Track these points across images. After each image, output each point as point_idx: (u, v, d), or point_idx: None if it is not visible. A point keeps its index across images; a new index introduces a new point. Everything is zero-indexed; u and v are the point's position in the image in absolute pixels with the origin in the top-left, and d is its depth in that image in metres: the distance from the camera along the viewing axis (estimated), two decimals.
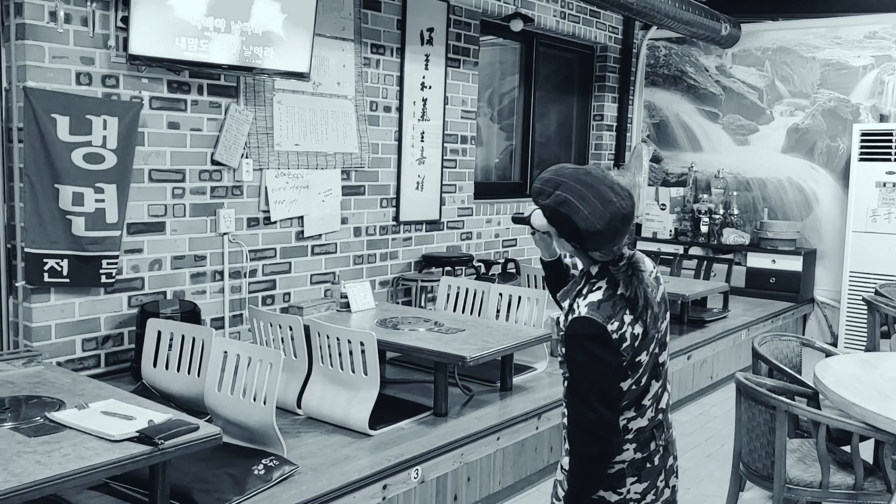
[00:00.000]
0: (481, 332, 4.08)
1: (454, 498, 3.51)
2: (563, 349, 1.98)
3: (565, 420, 2.06)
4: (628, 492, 1.97)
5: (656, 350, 1.98)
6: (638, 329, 1.90)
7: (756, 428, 3.13)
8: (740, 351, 6.09)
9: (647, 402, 1.98)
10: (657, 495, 2.02)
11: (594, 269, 1.97)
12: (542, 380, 4.40)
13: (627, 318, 1.88)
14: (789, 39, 7.26)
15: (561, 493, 2.08)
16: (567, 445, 2.04)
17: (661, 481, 2.03)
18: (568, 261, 2.30)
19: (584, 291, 1.95)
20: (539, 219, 2.03)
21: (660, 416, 2.03)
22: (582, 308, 1.90)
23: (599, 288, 1.92)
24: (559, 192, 1.91)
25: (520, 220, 2.23)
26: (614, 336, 1.87)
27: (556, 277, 2.27)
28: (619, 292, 1.90)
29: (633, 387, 1.94)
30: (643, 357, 1.94)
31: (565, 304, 2.01)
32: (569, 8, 6.90)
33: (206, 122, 4.38)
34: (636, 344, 1.90)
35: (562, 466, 2.10)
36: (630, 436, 1.97)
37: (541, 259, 2.28)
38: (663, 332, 2.02)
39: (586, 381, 1.89)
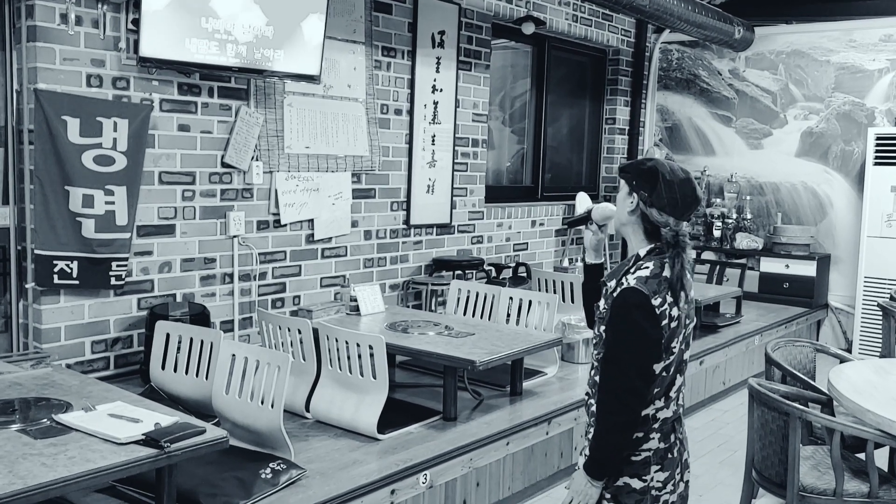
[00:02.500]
0: (491, 336, 4.06)
1: (463, 503, 3.48)
2: (604, 324, 2.12)
3: (593, 407, 2.15)
4: (651, 479, 2.10)
5: (683, 346, 2.12)
6: (675, 312, 2.07)
7: (769, 434, 3.09)
8: (753, 356, 6.03)
9: (672, 394, 2.13)
10: (675, 486, 2.14)
11: (643, 251, 2.14)
12: (552, 384, 4.37)
13: (669, 298, 2.06)
14: (803, 43, 7.20)
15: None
16: (588, 435, 2.16)
17: (678, 473, 2.16)
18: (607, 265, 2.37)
19: (632, 270, 2.11)
20: (601, 210, 2.31)
21: (680, 412, 2.17)
22: (630, 280, 2.07)
23: (647, 267, 2.09)
24: (648, 162, 2.15)
25: (576, 220, 2.41)
26: (657, 311, 2.03)
27: (593, 283, 2.38)
28: (664, 274, 2.07)
29: (664, 373, 2.08)
30: (675, 345, 2.08)
31: (611, 283, 2.15)
32: (581, 11, 6.87)
33: (216, 125, 4.38)
34: (672, 325, 2.06)
35: (584, 453, 2.17)
36: (656, 425, 2.10)
37: (583, 261, 2.43)
38: (689, 330, 2.16)
39: (626, 350, 2.04)
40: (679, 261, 2.08)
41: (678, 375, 2.14)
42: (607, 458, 2.08)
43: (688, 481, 2.22)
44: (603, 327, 2.13)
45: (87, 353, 3.97)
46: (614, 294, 2.10)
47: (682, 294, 2.08)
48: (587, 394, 2.22)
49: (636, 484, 2.10)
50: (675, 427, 2.15)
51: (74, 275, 3.84)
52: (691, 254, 2.16)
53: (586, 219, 2.37)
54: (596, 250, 2.38)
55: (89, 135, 3.77)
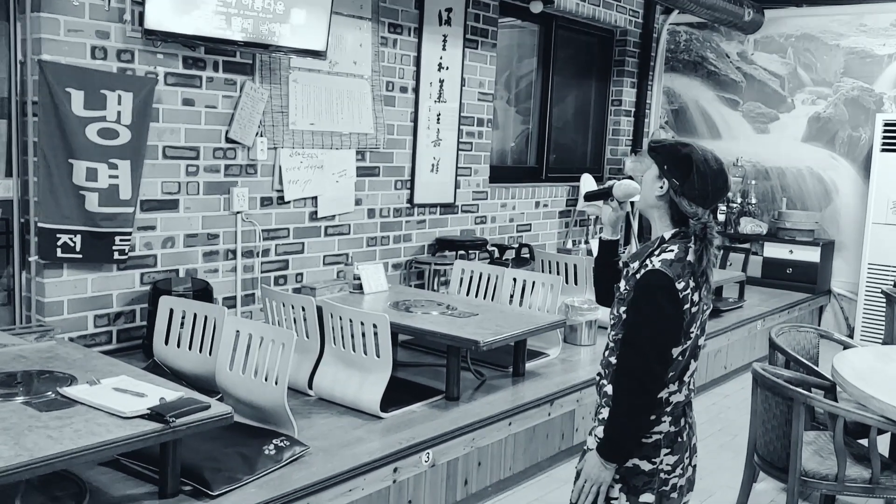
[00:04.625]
0: (495, 316, 4.05)
1: (464, 482, 3.49)
2: (625, 304, 2.09)
3: (606, 387, 2.14)
4: (661, 462, 2.09)
5: (698, 332, 2.11)
6: (696, 297, 2.05)
7: (772, 419, 3.09)
8: (755, 341, 6.03)
9: (686, 378, 2.12)
10: (683, 470, 2.14)
11: (668, 234, 2.11)
12: (555, 366, 4.37)
13: (692, 283, 2.04)
14: (813, 26, 7.14)
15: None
16: (600, 416, 2.15)
17: (687, 458, 2.15)
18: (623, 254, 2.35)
19: (657, 252, 2.08)
20: (623, 188, 2.28)
21: (692, 397, 2.17)
22: (655, 262, 2.05)
23: (672, 251, 2.06)
24: (683, 140, 2.15)
25: (596, 193, 2.37)
26: (680, 294, 2.01)
27: (608, 258, 2.36)
28: (688, 258, 2.05)
29: (680, 358, 2.07)
30: (693, 330, 2.07)
31: (635, 265, 2.12)
32: None
33: (221, 100, 4.35)
34: (693, 310, 2.05)
35: (596, 435, 2.15)
36: (668, 409, 2.09)
37: (600, 239, 2.39)
38: (706, 316, 2.15)
39: (646, 332, 2.02)
40: (705, 251, 2.06)
41: (692, 360, 2.13)
42: (622, 440, 2.06)
43: (695, 466, 2.21)
44: (623, 308, 2.10)
45: (90, 327, 3.96)
46: (637, 276, 2.07)
47: (705, 281, 2.07)
48: (599, 374, 2.20)
49: (645, 466, 2.09)
50: (685, 411, 2.15)
51: (77, 248, 3.82)
52: (716, 241, 2.12)
53: (607, 193, 2.33)
54: (613, 226, 2.34)
55: (93, 107, 3.74)
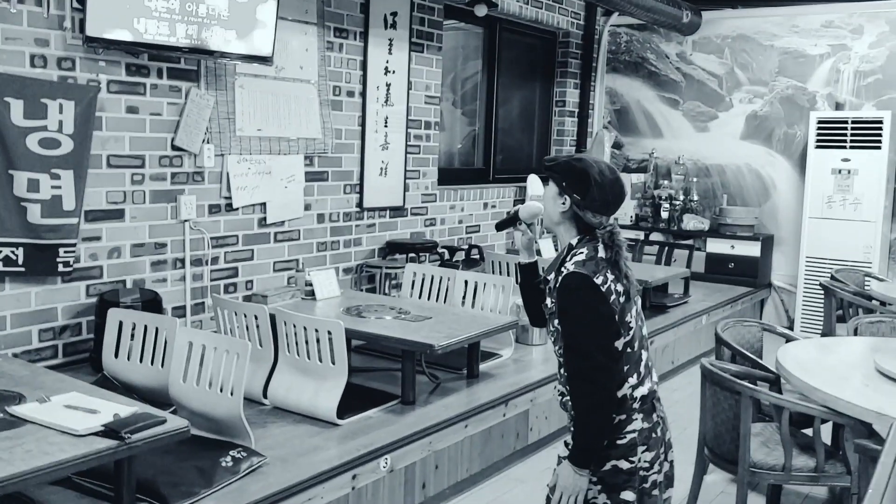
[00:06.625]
0: (448, 319, 4.07)
1: (423, 486, 3.50)
2: (556, 316, 2.13)
3: (566, 397, 2.16)
4: (639, 460, 2.12)
5: (640, 322, 2.17)
6: (620, 288, 2.10)
7: (721, 413, 3.18)
8: (701, 335, 6.18)
9: (642, 369, 2.15)
10: (660, 466, 2.16)
11: (575, 241, 2.17)
12: (508, 366, 4.41)
13: (610, 276, 2.09)
14: (748, 27, 7.34)
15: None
16: (570, 430, 2.15)
17: (663, 453, 2.18)
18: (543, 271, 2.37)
19: (568, 258, 2.14)
20: (528, 210, 2.33)
21: (655, 388, 2.19)
22: (570, 267, 2.10)
23: (582, 253, 2.12)
24: (575, 155, 2.21)
25: (505, 221, 2.42)
26: (602, 288, 2.06)
27: (530, 280, 2.38)
28: (599, 255, 2.11)
29: (629, 349, 2.11)
30: (630, 320, 2.11)
31: (551, 276, 2.17)
32: None
33: (165, 107, 4.28)
34: (621, 300, 2.09)
35: (566, 443, 2.18)
36: (636, 405, 2.12)
37: (518, 264, 2.43)
38: (640, 306, 2.20)
39: (581, 331, 2.07)
40: (617, 256, 2.12)
41: (643, 351, 2.15)
42: (590, 442, 2.08)
43: (672, 461, 2.23)
44: (556, 321, 2.14)
45: (35, 342, 3.87)
46: (557, 285, 2.12)
47: (626, 273, 2.12)
48: (561, 392, 2.22)
49: (624, 465, 2.11)
50: (654, 406, 2.17)
51: (20, 262, 3.73)
52: (625, 246, 2.17)
53: (515, 219, 2.38)
54: (528, 249, 2.38)
55: (34, 117, 3.65)
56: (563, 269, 2.12)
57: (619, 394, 2.10)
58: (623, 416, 2.10)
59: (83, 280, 4.03)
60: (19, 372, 3.05)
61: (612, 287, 2.07)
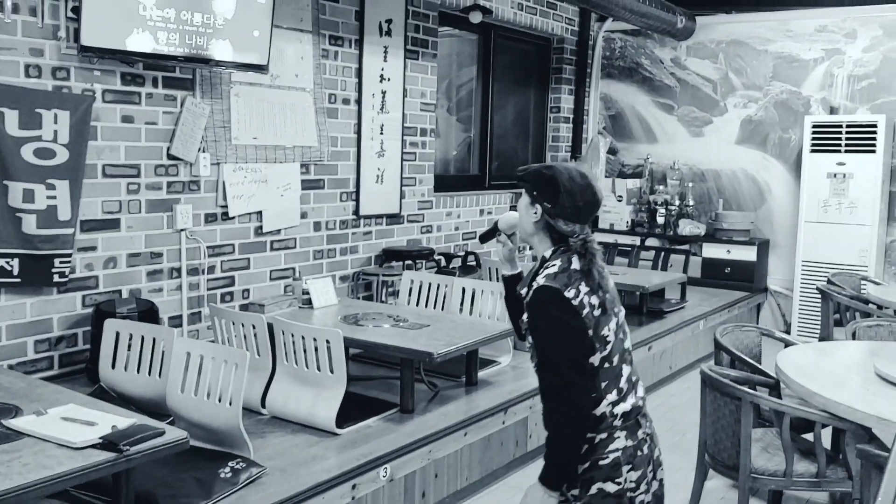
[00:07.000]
0: (446, 326, 4.06)
1: (422, 495, 3.49)
2: (530, 331, 2.09)
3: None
4: (625, 480, 2.03)
5: (621, 335, 2.09)
6: (595, 300, 2.03)
7: (722, 419, 3.17)
8: (698, 341, 6.18)
9: (623, 384, 2.06)
10: (648, 485, 2.07)
11: (548, 253, 2.12)
12: (506, 374, 4.40)
13: (584, 288, 2.02)
14: (742, 32, 7.36)
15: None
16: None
17: (650, 472, 2.09)
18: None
19: (541, 271, 2.09)
20: (505, 220, 2.31)
21: (640, 404, 2.10)
22: (540, 280, 2.05)
23: (554, 265, 2.07)
24: (546, 164, 2.19)
25: (486, 233, 2.41)
26: (573, 302, 1.99)
27: (513, 293, 2.33)
28: (572, 266, 2.05)
29: (606, 364, 2.03)
30: (608, 334, 2.04)
31: (524, 291, 2.13)
32: (526, 0, 6.89)
33: (161, 116, 4.27)
34: (595, 314, 2.02)
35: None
36: (618, 422, 2.04)
37: (502, 276, 2.38)
38: (622, 318, 2.13)
39: (553, 347, 2.01)
40: (592, 265, 2.06)
41: (623, 365, 2.07)
42: (561, 461, 2.01)
43: (661, 480, 2.14)
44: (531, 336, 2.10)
45: (30, 353, 3.84)
46: (528, 299, 2.07)
47: (601, 284, 2.05)
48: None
49: (611, 488, 2.01)
50: (639, 422, 2.08)
51: (15, 272, 3.70)
52: (599, 255, 2.12)
53: (494, 231, 2.36)
54: (510, 261, 2.35)
55: (29, 127, 3.64)
56: (534, 282, 2.06)
57: (598, 411, 2.01)
58: (604, 435, 2.01)
59: (79, 290, 4.00)
60: (15, 384, 3.02)
61: (586, 300, 2.00)
